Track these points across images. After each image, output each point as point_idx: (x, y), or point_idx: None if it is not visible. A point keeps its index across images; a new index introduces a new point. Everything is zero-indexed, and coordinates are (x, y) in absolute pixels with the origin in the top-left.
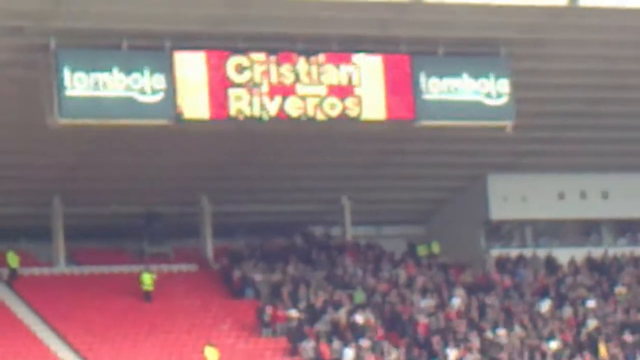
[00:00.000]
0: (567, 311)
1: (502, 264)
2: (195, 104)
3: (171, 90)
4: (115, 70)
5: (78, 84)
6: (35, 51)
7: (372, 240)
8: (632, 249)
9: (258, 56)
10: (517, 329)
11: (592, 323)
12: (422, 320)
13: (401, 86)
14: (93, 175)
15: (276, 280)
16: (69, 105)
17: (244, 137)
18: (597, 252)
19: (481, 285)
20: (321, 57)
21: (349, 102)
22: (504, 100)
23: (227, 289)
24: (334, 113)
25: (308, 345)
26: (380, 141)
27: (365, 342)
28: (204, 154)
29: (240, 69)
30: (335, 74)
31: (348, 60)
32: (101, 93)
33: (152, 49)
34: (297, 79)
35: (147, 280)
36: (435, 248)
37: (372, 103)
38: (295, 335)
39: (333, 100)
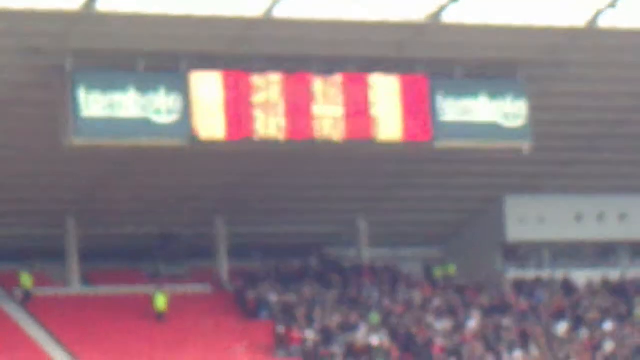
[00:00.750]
0: (584, 333)
1: (518, 285)
2: (211, 125)
3: (187, 110)
4: (130, 91)
5: (94, 105)
6: (51, 72)
7: (388, 262)
8: None
9: (274, 77)
10: (534, 351)
11: (608, 346)
12: (438, 342)
13: (418, 107)
14: (108, 196)
15: (291, 302)
16: (84, 126)
17: (260, 157)
18: (614, 274)
19: (497, 307)
20: (338, 77)
21: (366, 123)
22: (521, 121)
23: (241, 310)
24: (350, 134)
25: None
26: (396, 162)
27: None
28: (219, 174)
29: (256, 90)
30: (351, 95)
31: (365, 81)
32: (117, 114)
33: (168, 70)
34: (314, 99)
35: (161, 301)
36: (452, 270)
37: (389, 124)
38: (310, 357)
39: (349, 121)
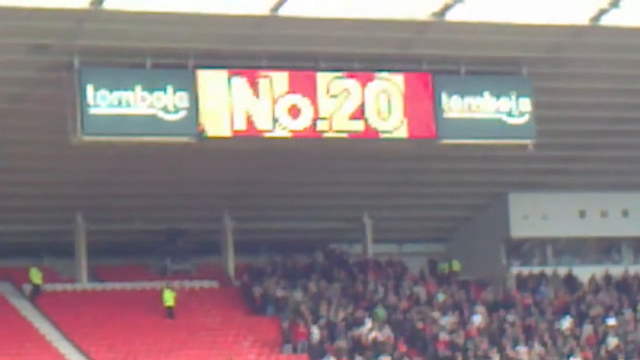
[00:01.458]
0: (588, 329)
1: (522, 281)
2: (217, 122)
3: (194, 108)
4: (138, 88)
5: (101, 102)
6: (59, 69)
7: (394, 258)
8: None
9: (280, 74)
10: (538, 347)
11: (612, 341)
12: (443, 337)
13: (423, 105)
14: (116, 193)
15: (297, 297)
16: (92, 123)
17: (266, 154)
18: (617, 270)
19: (502, 303)
20: (343, 75)
21: (371, 120)
22: (525, 118)
23: (248, 306)
24: (356, 131)
25: None
26: (401, 159)
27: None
28: (226, 171)
29: (263, 87)
30: (357, 93)
31: (370, 79)
32: (124, 111)
33: (176, 67)
34: (319, 97)
35: (169, 297)
36: (456, 266)
37: (394, 121)
38: (316, 352)
39: (355, 118)
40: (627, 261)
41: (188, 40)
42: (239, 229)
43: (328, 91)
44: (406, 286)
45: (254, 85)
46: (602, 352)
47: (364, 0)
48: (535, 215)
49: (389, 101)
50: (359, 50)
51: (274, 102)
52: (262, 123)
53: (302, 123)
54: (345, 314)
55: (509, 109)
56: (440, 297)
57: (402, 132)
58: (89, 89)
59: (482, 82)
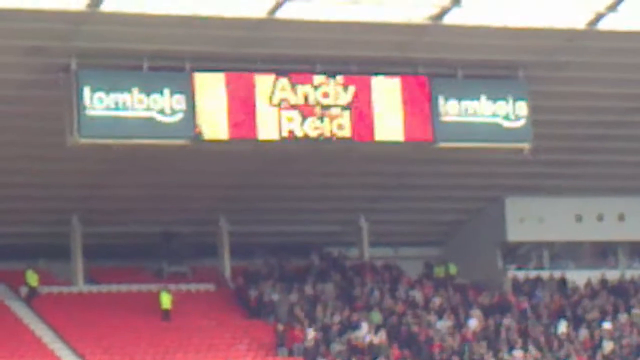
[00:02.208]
0: (583, 333)
1: (518, 285)
2: (214, 125)
3: (191, 110)
4: (135, 91)
5: (98, 104)
6: (56, 71)
7: (389, 261)
8: None
9: (277, 77)
10: (533, 351)
11: (608, 345)
12: (439, 341)
13: (419, 108)
14: (112, 195)
15: (293, 300)
16: (89, 125)
17: (263, 157)
18: (613, 275)
19: (498, 307)
20: (339, 78)
21: (367, 123)
22: (522, 122)
23: (244, 309)
24: (352, 134)
25: None
26: (398, 163)
27: None
28: (222, 174)
29: (259, 90)
30: (354, 96)
31: (366, 82)
32: (121, 113)
33: (173, 70)
34: (316, 100)
35: (166, 299)
36: (453, 269)
37: (390, 125)
38: (312, 356)
39: (352, 121)
40: (623, 265)
41: (185, 43)
42: (235, 232)
43: (324, 94)
44: (402, 290)
45: (250, 88)
46: (598, 356)
47: (361, 3)
48: (531, 219)
49: (385, 104)
50: (356, 54)
51: (271, 104)
52: (259, 126)
53: (299, 126)
54: (341, 317)
55: (506, 112)
56: (436, 300)
57: (399, 136)
58: (86, 91)
59: (479, 86)
